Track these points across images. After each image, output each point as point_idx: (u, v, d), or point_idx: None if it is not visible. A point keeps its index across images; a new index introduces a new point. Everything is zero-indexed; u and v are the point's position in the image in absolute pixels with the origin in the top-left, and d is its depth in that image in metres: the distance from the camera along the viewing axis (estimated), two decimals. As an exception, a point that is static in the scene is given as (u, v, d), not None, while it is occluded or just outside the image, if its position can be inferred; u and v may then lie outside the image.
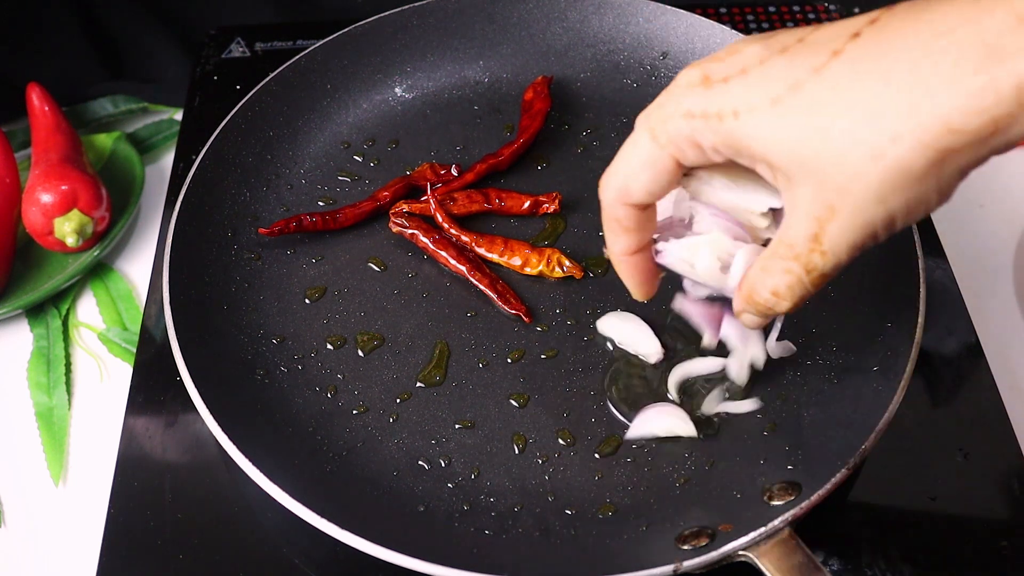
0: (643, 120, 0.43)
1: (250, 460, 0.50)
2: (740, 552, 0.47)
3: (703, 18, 0.73)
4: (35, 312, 0.71)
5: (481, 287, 0.63)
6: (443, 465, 0.56)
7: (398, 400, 0.59)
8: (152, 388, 0.62)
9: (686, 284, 0.54)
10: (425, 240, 0.65)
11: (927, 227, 0.69)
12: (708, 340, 0.56)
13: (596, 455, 0.56)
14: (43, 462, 0.63)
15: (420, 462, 0.56)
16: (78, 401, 0.67)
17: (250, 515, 0.56)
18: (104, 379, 0.68)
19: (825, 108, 0.37)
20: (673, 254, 0.49)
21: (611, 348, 0.60)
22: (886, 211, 0.37)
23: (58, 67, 0.83)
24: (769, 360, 0.57)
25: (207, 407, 0.53)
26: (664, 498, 0.53)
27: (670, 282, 0.52)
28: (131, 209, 0.75)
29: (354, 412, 0.58)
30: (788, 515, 0.47)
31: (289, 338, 0.62)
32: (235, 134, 0.68)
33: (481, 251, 0.65)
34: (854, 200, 0.37)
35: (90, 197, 0.70)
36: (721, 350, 0.57)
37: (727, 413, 0.57)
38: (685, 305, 0.56)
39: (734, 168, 0.44)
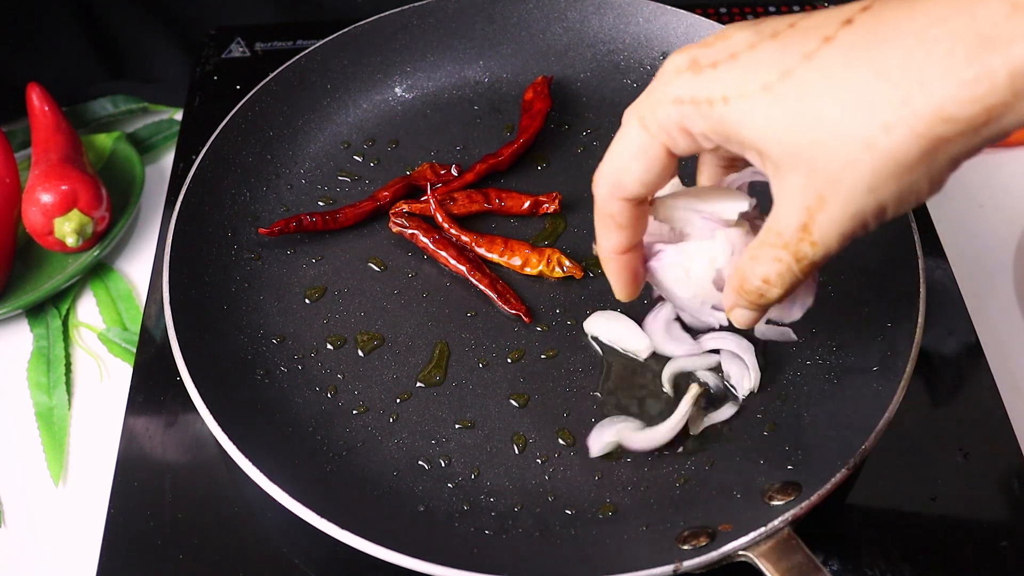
0: (632, 110, 0.43)
1: (250, 460, 0.50)
2: (740, 552, 0.47)
3: (703, 18, 0.73)
4: (35, 312, 0.71)
5: (481, 287, 0.63)
6: (443, 465, 0.56)
7: (398, 400, 0.59)
8: (152, 388, 0.62)
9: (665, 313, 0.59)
10: (425, 240, 0.65)
11: (927, 227, 0.69)
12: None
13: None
14: (43, 462, 0.63)
15: (420, 462, 0.56)
16: (78, 401, 0.67)
17: (250, 515, 0.56)
18: (104, 379, 0.68)
19: (816, 96, 0.36)
20: (667, 261, 0.49)
21: (598, 348, 0.60)
22: (877, 201, 0.37)
23: (58, 67, 0.83)
24: (769, 360, 0.56)
25: (207, 407, 0.53)
26: (664, 498, 0.53)
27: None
28: (131, 209, 0.75)
29: (354, 412, 0.58)
30: (788, 515, 0.47)
31: (289, 338, 0.62)
32: (235, 134, 0.68)
33: (481, 251, 0.65)
34: (845, 190, 0.37)
35: (90, 197, 0.70)
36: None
37: (716, 424, 0.56)
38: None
39: (692, 189, 0.45)
